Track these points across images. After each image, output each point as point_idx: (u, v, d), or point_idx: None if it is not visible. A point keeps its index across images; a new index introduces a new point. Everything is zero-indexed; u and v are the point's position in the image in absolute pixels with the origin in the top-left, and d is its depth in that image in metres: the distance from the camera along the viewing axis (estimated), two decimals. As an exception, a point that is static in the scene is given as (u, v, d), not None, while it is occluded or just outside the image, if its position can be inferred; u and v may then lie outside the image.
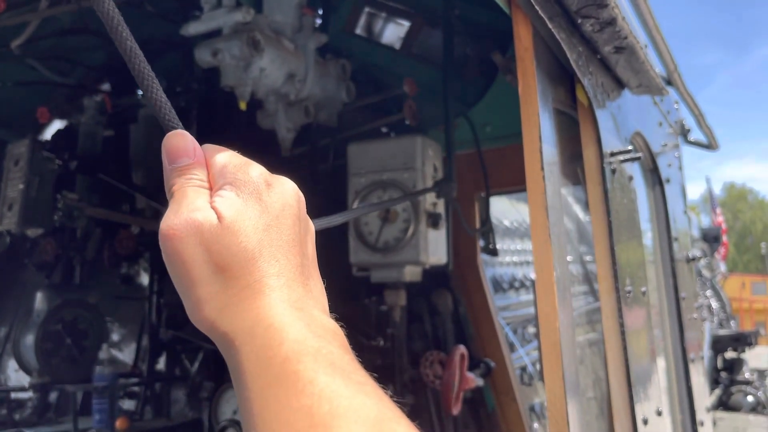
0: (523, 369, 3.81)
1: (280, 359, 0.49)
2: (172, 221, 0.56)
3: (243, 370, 0.51)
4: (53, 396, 3.29)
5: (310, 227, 0.64)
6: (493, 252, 3.31)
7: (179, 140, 0.62)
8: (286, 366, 0.48)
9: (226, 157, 0.62)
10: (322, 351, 0.50)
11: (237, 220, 0.56)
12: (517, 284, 4.37)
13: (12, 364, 3.47)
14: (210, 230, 0.55)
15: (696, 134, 3.21)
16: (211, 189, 0.60)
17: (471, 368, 2.97)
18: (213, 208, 0.57)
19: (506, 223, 4.72)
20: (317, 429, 0.45)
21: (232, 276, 0.55)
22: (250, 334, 0.52)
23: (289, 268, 0.57)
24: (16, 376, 3.44)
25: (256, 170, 0.60)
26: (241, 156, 0.63)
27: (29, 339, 3.24)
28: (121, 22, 0.65)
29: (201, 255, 0.55)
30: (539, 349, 1.46)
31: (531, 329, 4.18)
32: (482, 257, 3.37)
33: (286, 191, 0.61)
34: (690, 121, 3.08)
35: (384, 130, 3.22)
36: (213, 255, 0.55)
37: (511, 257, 4.53)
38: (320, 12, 3.02)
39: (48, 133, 3.48)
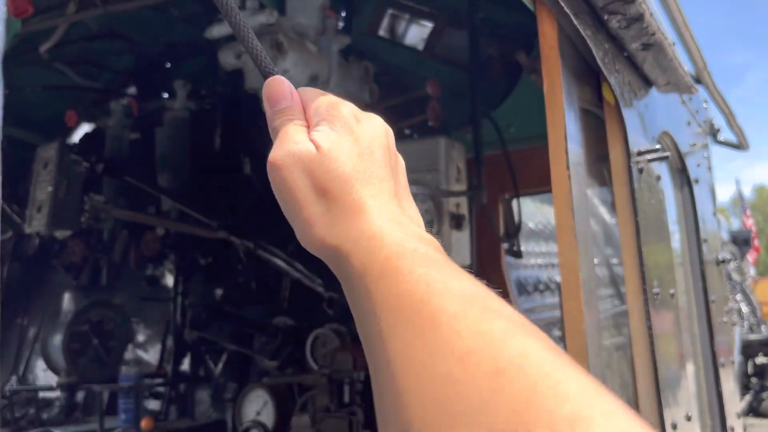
0: (548, 373, 3.76)
1: (381, 259, 0.56)
2: (276, 153, 0.63)
3: (352, 274, 0.58)
4: (80, 395, 3.33)
5: (400, 159, 0.70)
6: (518, 254, 3.27)
7: (277, 85, 0.69)
8: (387, 264, 0.55)
9: (319, 97, 0.69)
10: (419, 250, 0.56)
11: (333, 149, 0.62)
12: (541, 287, 4.32)
13: (40, 364, 3.53)
14: (310, 158, 0.62)
15: (726, 134, 3.14)
16: (308, 127, 0.66)
17: (495, 371, 2.94)
18: (311, 140, 0.63)
19: (530, 224, 4.67)
20: (417, 304, 0.51)
21: (334, 197, 0.61)
22: (355, 244, 0.58)
23: (382, 190, 0.63)
24: (44, 376, 3.49)
25: (347, 107, 0.67)
26: (332, 96, 0.70)
27: (57, 339, 3.29)
28: None
29: (304, 180, 0.61)
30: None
31: (556, 332, 4.12)
32: (506, 259, 3.34)
33: (375, 125, 0.67)
34: (719, 121, 3.02)
35: (407, 131, 3.21)
36: (315, 180, 0.61)
37: (535, 259, 4.48)
38: (343, 14, 3.02)
39: (76, 137, 3.53)
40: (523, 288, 4.03)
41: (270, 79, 0.70)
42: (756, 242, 11.27)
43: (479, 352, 0.46)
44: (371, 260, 0.56)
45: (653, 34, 1.54)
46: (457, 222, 2.72)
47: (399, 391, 0.48)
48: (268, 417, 2.75)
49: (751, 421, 5.83)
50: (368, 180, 0.62)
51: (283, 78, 0.70)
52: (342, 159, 0.62)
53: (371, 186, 0.62)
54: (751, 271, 11.06)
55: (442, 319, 0.49)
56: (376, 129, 0.67)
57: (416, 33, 3.19)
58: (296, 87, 0.71)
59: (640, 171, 1.65)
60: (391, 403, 0.49)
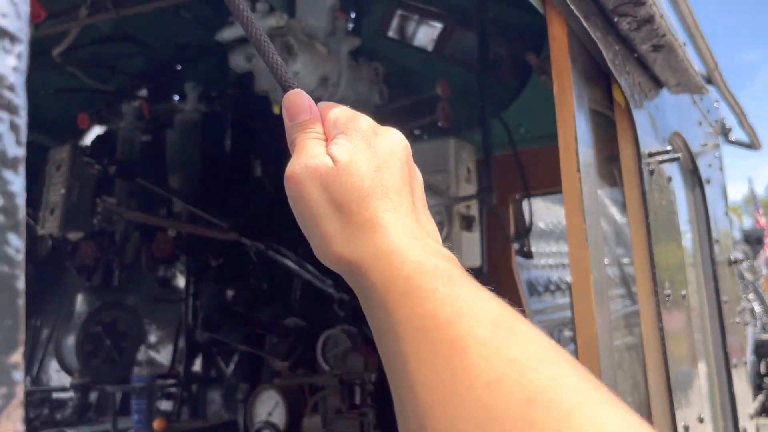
0: (559, 373, 3.75)
1: (403, 278, 0.55)
2: (293, 167, 0.63)
3: (372, 291, 0.57)
4: (93, 396, 3.35)
5: (418, 173, 0.69)
6: (528, 255, 3.26)
7: (297, 98, 0.70)
8: (409, 282, 0.54)
9: (338, 111, 0.69)
10: (440, 268, 0.55)
11: (350, 162, 0.62)
12: (552, 287, 4.32)
13: (54, 365, 3.56)
14: (327, 172, 0.62)
15: (737, 133, 3.12)
16: (326, 140, 0.67)
17: (506, 372, 2.93)
18: (329, 153, 0.63)
19: (541, 225, 4.66)
20: (442, 327, 0.49)
21: (351, 212, 0.60)
22: (374, 260, 0.58)
23: (400, 204, 0.62)
24: (57, 377, 3.52)
25: (365, 120, 0.67)
26: (351, 109, 0.70)
27: (70, 340, 3.31)
28: None
29: (321, 195, 0.61)
30: (576, 353, 1.44)
31: (567, 333, 4.12)
32: (517, 260, 3.33)
33: (393, 139, 0.67)
34: (731, 120, 3.01)
35: (417, 132, 3.21)
36: (332, 194, 0.61)
37: (546, 260, 4.47)
38: (353, 16, 3.03)
39: (88, 139, 3.56)
40: (533, 288, 4.03)
41: (290, 92, 0.71)
42: (769, 241, 11.16)
43: (508, 379, 0.44)
44: (392, 278, 0.55)
45: (664, 36, 1.54)
46: (467, 223, 2.72)
47: (426, 414, 0.48)
48: (279, 418, 2.76)
49: (764, 421, 5.78)
50: (385, 194, 0.62)
51: (302, 91, 0.71)
52: (359, 173, 0.62)
53: (388, 200, 0.61)
54: (764, 270, 10.95)
55: (469, 344, 0.47)
56: (394, 143, 0.66)
57: (426, 34, 3.19)
58: (307, 89, 0.71)
59: (651, 172, 1.65)
60: (417, 426, 0.48)
